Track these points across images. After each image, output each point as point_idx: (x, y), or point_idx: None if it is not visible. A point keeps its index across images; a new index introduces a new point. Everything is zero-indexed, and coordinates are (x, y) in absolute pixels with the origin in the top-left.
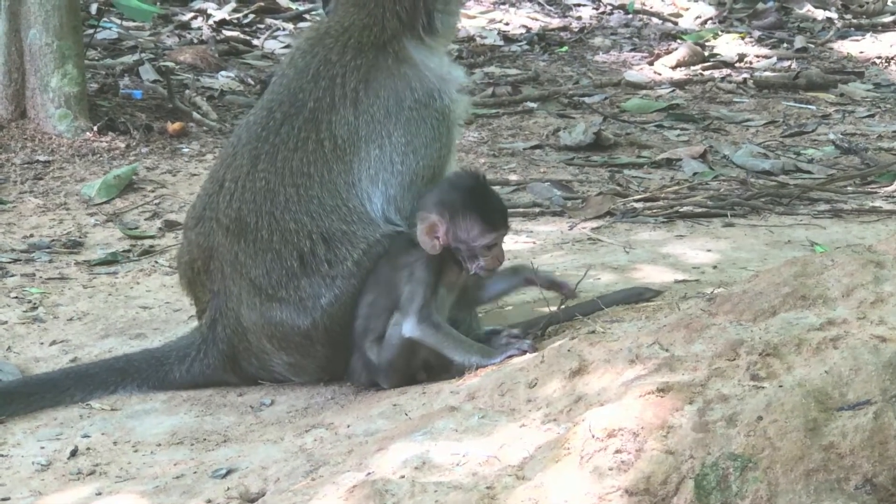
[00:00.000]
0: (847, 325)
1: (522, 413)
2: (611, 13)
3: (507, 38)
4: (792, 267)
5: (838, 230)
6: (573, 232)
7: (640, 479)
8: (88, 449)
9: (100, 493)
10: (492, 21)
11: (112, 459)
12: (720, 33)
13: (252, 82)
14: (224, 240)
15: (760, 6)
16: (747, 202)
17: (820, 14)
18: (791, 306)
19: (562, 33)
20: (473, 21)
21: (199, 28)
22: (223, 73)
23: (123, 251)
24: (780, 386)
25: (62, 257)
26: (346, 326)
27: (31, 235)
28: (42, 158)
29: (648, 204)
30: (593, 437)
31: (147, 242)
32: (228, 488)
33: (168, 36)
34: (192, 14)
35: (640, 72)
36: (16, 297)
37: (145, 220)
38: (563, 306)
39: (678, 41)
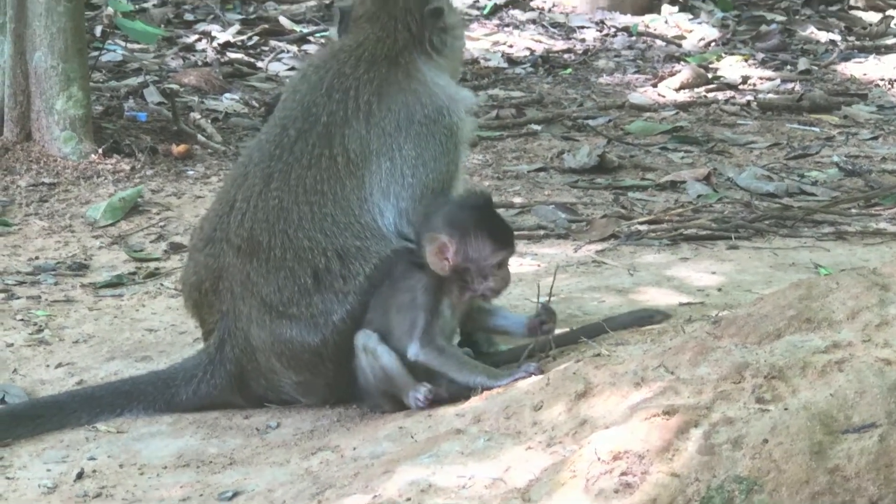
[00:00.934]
0: (852, 348)
1: (528, 436)
2: (615, 35)
3: (511, 61)
4: (797, 290)
5: (842, 252)
6: (578, 254)
7: (646, 501)
8: (94, 471)
9: None
10: (496, 43)
11: (118, 482)
12: (724, 55)
13: (256, 104)
14: (235, 259)
15: (764, 28)
16: (751, 224)
17: (823, 36)
18: (796, 329)
19: (566, 55)
20: (478, 43)
21: (204, 50)
22: (227, 95)
23: (129, 274)
24: (786, 409)
25: (67, 280)
26: None
27: (37, 258)
28: (47, 181)
29: (653, 226)
30: (599, 459)
31: (152, 265)
32: None
33: (172, 58)
34: (196, 36)
35: (643, 94)
36: (21, 320)
37: (150, 242)
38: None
39: (682, 63)
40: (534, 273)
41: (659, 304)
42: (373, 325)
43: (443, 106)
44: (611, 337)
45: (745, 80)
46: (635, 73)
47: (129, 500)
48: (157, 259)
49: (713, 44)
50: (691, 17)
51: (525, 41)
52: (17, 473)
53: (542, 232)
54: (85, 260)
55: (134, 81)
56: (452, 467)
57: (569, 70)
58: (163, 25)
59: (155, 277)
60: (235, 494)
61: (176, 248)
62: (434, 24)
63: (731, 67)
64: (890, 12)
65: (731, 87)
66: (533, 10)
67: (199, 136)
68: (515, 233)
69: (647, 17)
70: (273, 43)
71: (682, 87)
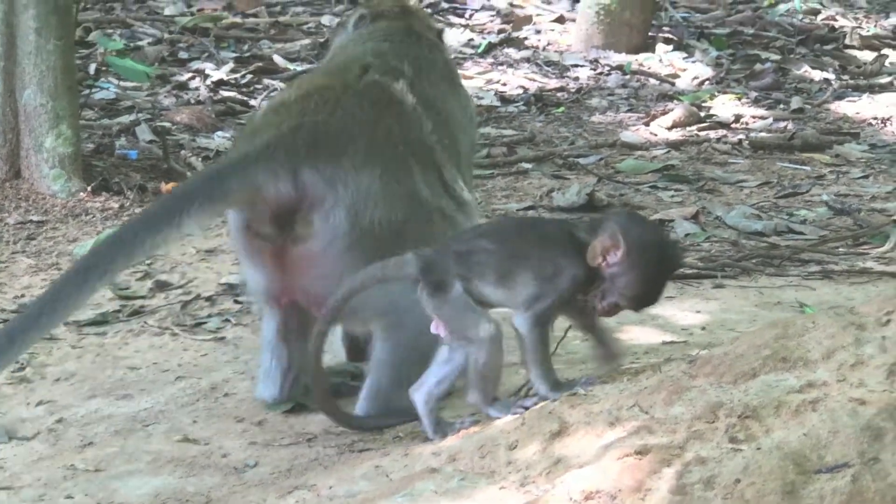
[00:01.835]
0: (827, 388)
1: (502, 475)
2: (608, 74)
3: (504, 99)
4: (773, 329)
5: (828, 291)
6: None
7: None
8: None
9: None
10: (489, 81)
11: None
12: (717, 94)
13: None
14: None
15: (758, 67)
16: (738, 263)
17: (817, 75)
18: (771, 368)
19: (559, 94)
20: (471, 82)
21: (197, 88)
22: (219, 133)
23: (113, 311)
24: (759, 448)
25: None
26: None
27: (23, 296)
28: (35, 218)
29: None
30: (571, 499)
31: (137, 303)
32: None
33: (165, 96)
34: (190, 74)
35: (635, 132)
36: None
37: (136, 280)
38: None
39: (675, 102)
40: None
41: (642, 343)
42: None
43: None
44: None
45: (737, 118)
46: (628, 111)
47: None
48: (142, 297)
49: (707, 82)
50: (686, 55)
51: (518, 79)
52: None
53: None
54: None
55: (126, 119)
56: None
57: (561, 108)
58: (157, 63)
59: (139, 315)
60: None
61: (161, 286)
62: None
63: (724, 106)
64: (884, 51)
65: (724, 125)
66: (527, 48)
67: (189, 175)
68: None
69: (642, 56)
70: (266, 81)
71: (674, 126)
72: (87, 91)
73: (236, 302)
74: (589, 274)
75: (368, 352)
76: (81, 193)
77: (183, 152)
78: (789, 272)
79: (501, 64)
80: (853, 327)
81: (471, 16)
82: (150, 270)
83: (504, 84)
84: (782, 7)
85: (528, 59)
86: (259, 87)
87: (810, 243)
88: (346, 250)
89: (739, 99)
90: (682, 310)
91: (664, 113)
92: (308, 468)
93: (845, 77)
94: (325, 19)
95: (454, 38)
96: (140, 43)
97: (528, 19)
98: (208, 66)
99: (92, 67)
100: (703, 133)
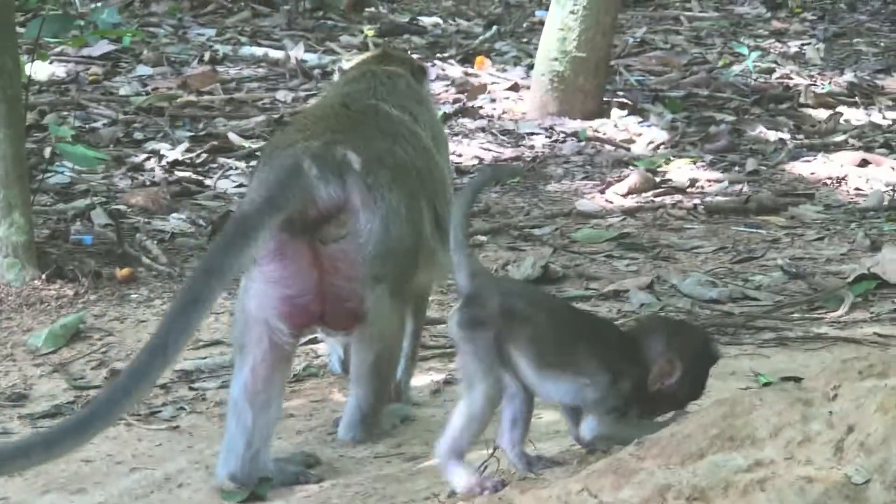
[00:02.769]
0: (774, 466)
1: None
2: (563, 141)
3: (460, 171)
4: (720, 407)
5: (783, 359)
6: None
7: None
8: None
9: None
10: None
11: None
12: (672, 158)
13: (203, 223)
14: None
15: (713, 129)
16: None
17: (773, 135)
18: (719, 448)
19: (514, 163)
20: None
21: (153, 169)
22: (175, 214)
23: (68, 403)
24: None
25: (6, 411)
26: None
27: None
28: None
29: None
30: None
31: (92, 393)
32: None
33: (121, 178)
34: (145, 155)
35: (591, 200)
36: None
37: (91, 369)
38: None
39: (630, 168)
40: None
41: None
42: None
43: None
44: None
45: (693, 182)
46: (583, 178)
47: None
48: (96, 387)
49: (662, 146)
50: (640, 119)
51: (474, 150)
52: None
53: None
54: (24, 389)
55: (81, 203)
56: None
57: (517, 178)
58: (112, 145)
59: None
60: None
61: (116, 374)
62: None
63: (680, 170)
64: (839, 109)
65: (679, 190)
66: (482, 117)
67: (144, 259)
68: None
69: (597, 122)
70: (222, 160)
71: (629, 193)
72: (41, 176)
73: (191, 389)
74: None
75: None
76: (35, 281)
77: (138, 235)
78: (743, 340)
79: (457, 134)
80: (800, 403)
81: None
82: (105, 358)
83: (460, 155)
84: (736, 68)
85: (483, 129)
86: (214, 166)
87: (765, 310)
88: (376, 256)
89: (695, 162)
90: None
91: (619, 180)
92: None
93: (800, 136)
94: (280, 94)
95: None
96: (95, 125)
97: (482, 88)
98: (163, 147)
99: (47, 151)
100: (658, 199)
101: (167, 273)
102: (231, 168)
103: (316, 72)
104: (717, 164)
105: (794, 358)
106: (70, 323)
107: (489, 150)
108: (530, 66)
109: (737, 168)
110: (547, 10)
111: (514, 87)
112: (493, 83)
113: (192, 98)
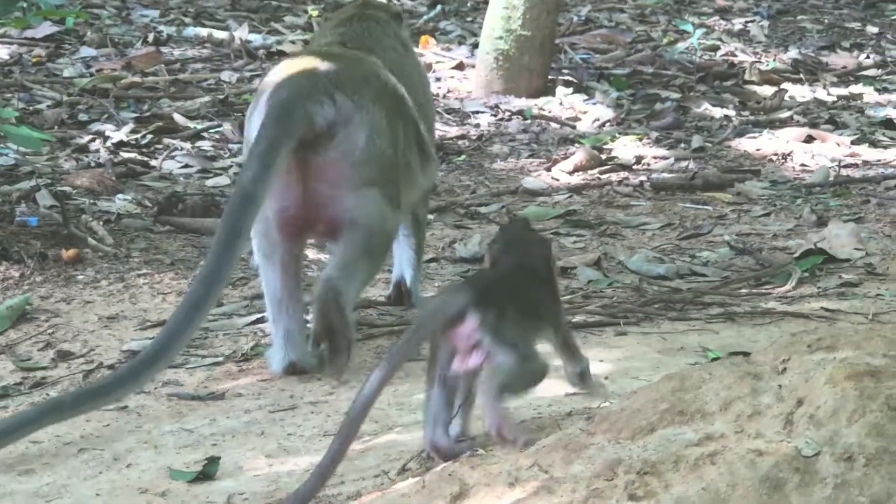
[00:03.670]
0: (724, 440)
1: None
2: (509, 119)
3: None
4: (670, 382)
5: (731, 334)
6: None
7: None
8: None
9: None
10: None
11: None
12: (618, 135)
13: (149, 204)
14: None
15: (658, 106)
16: (640, 309)
17: (718, 112)
18: (669, 422)
19: (460, 142)
20: None
21: (97, 150)
22: (120, 196)
23: (15, 384)
24: None
25: None
26: None
27: None
28: None
29: None
30: None
31: (39, 374)
32: None
33: (66, 160)
34: (90, 137)
35: (537, 178)
36: None
37: (38, 350)
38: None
39: (576, 145)
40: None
41: (545, 396)
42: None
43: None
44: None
45: (639, 160)
46: (529, 156)
47: None
48: (43, 368)
49: (608, 124)
50: (586, 97)
51: None
52: None
53: None
54: None
55: (26, 185)
56: None
57: (463, 157)
58: (57, 126)
59: (41, 387)
60: None
61: (63, 355)
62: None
63: (626, 147)
64: (784, 86)
65: (625, 167)
66: None
67: (90, 240)
68: (401, 326)
69: (542, 100)
70: (167, 141)
71: (575, 170)
72: None
73: None
74: None
75: None
76: None
77: (84, 217)
78: (692, 316)
79: None
80: (749, 377)
81: None
82: (52, 340)
83: None
84: (681, 45)
85: None
86: (160, 146)
87: (712, 286)
88: (359, 164)
89: (640, 140)
90: None
91: (565, 157)
92: None
93: (745, 113)
94: (225, 75)
95: None
96: (39, 106)
97: (428, 67)
98: (108, 128)
99: None
100: (604, 176)
101: (113, 254)
102: (176, 149)
103: (261, 52)
104: (662, 142)
105: (742, 333)
106: (16, 304)
107: (436, 130)
108: (475, 45)
109: (682, 145)
110: None
111: (460, 66)
112: (437, 62)
113: (137, 79)
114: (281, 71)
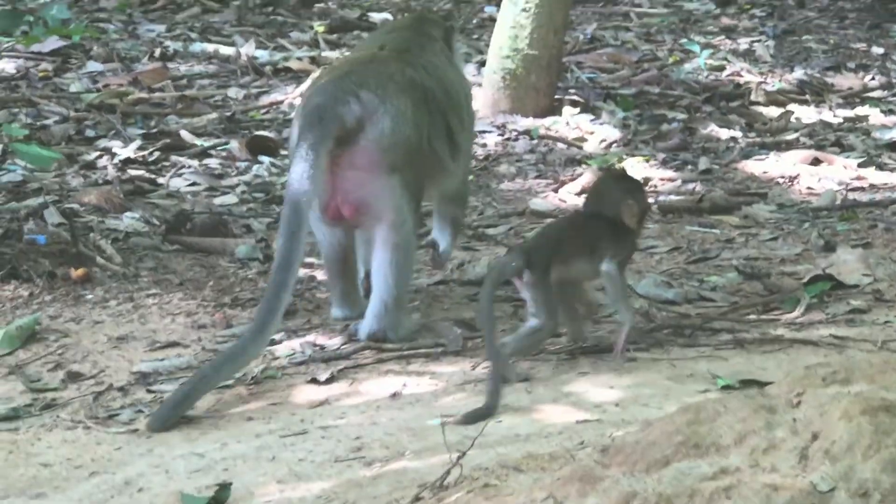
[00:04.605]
0: (740, 474)
1: None
2: (516, 139)
3: None
4: (685, 414)
5: (740, 361)
6: (476, 372)
7: None
8: None
9: None
10: None
11: None
12: (625, 156)
13: (157, 222)
14: None
15: (665, 127)
16: (650, 334)
17: (724, 133)
18: (684, 455)
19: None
20: None
21: (105, 167)
22: (128, 214)
23: (25, 405)
24: None
25: None
26: None
27: None
28: None
29: (551, 340)
30: None
31: (49, 395)
32: None
33: (73, 176)
34: (97, 153)
35: (545, 199)
36: None
37: (48, 371)
38: None
39: (583, 166)
40: (431, 392)
41: (556, 423)
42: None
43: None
44: (501, 465)
45: (645, 181)
46: (537, 177)
47: None
48: (54, 389)
49: (615, 145)
50: (593, 118)
51: None
52: None
53: (439, 349)
54: None
55: (34, 202)
56: None
57: (470, 177)
58: (64, 142)
59: (51, 409)
60: None
61: (73, 376)
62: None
63: (633, 169)
64: (790, 107)
65: None
66: None
67: (98, 259)
68: (411, 351)
69: (549, 120)
70: (174, 158)
71: (583, 192)
72: None
73: (149, 391)
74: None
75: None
76: None
77: (92, 235)
78: (700, 342)
79: None
80: (764, 410)
81: None
82: (62, 360)
83: None
84: (688, 65)
85: None
86: (167, 163)
87: (721, 311)
88: (386, 150)
89: (647, 161)
90: (595, 385)
91: (573, 178)
92: None
93: (752, 135)
94: (232, 92)
95: None
96: (46, 122)
97: None
98: (115, 144)
99: None
100: None
101: (122, 273)
102: (184, 166)
103: (267, 68)
104: (669, 163)
105: (751, 360)
106: (26, 324)
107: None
108: (481, 63)
109: (689, 167)
110: (496, 5)
111: None
112: None
113: (144, 95)
114: (316, 79)
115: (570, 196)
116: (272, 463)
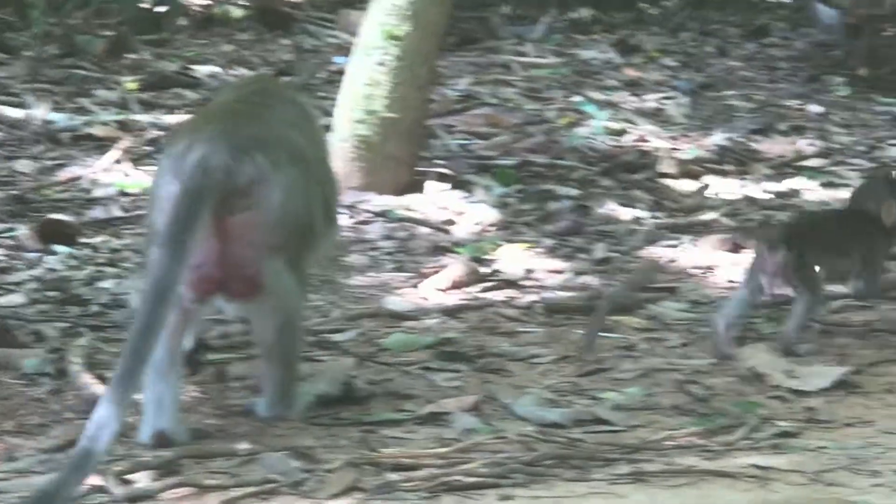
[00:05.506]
0: None
1: None
2: (369, 223)
3: None
4: None
5: (642, 499)
6: None
7: None
8: None
9: None
10: None
11: None
12: (502, 243)
13: None
14: None
15: (553, 206)
16: (529, 467)
17: (626, 213)
18: None
19: None
20: None
21: None
22: None
23: None
24: None
25: None
26: None
27: None
28: None
29: (407, 474)
30: None
31: None
32: None
33: None
34: None
35: (404, 297)
36: None
37: None
38: None
39: (451, 256)
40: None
41: None
42: None
43: None
44: None
45: (528, 273)
46: (394, 269)
47: None
48: None
49: (491, 229)
50: (464, 195)
51: None
52: None
53: (269, 486)
54: None
55: None
56: None
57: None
58: None
59: None
60: None
61: None
62: None
63: (513, 259)
64: (707, 179)
65: (512, 283)
66: None
67: None
68: (238, 489)
69: (410, 198)
70: None
71: (451, 287)
72: None
73: None
74: None
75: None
76: None
77: None
78: (593, 475)
79: None
80: None
81: None
82: None
83: None
84: (582, 130)
85: None
86: None
87: (619, 437)
88: (276, 226)
89: (531, 248)
90: None
91: (438, 271)
92: None
93: (660, 215)
94: (21, 164)
95: None
96: None
97: None
98: None
99: None
100: (486, 295)
101: None
102: None
103: (65, 135)
104: (558, 251)
105: (654, 498)
106: None
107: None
108: (328, 129)
109: (582, 255)
110: (347, 56)
111: None
112: None
113: None
114: (193, 127)
115: (435, 293)
116: None
